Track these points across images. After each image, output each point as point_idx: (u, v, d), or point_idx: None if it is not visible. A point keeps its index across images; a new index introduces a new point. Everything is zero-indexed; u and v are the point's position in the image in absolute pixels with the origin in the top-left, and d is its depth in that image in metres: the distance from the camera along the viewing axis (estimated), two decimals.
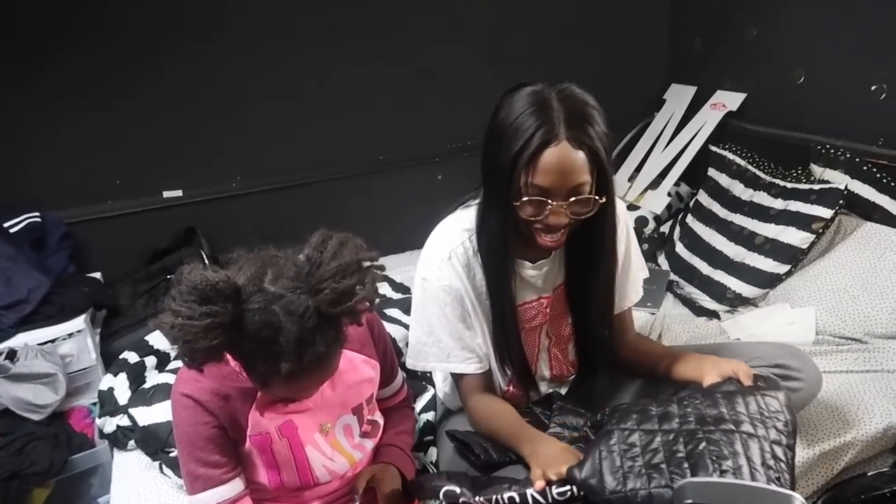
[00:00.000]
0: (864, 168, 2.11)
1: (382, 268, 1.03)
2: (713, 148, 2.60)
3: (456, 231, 1.30)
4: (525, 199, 1.12)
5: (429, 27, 2.63)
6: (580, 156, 1.09)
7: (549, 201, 1.11)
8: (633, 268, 1.42)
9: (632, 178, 2.89)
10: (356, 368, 1.23)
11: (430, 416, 1.60)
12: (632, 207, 2.73)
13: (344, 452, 1.22)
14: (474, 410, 1.37)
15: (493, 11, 2.70)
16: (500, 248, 1.24)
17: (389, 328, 1.77)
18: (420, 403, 1.65)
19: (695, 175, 2.70)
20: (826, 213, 2.00)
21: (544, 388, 1.47)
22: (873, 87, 2.11)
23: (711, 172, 2.54)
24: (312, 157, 2.60)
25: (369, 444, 1.28)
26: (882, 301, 1.83)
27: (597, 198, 1.13)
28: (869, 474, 1.50)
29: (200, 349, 0.91)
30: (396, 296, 2.12)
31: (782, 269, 2.08)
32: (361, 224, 2.60)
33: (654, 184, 2.80)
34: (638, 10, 2.95)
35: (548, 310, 1.38)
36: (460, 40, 2.68)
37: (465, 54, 2.69)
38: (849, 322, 1.85)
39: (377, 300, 1.01)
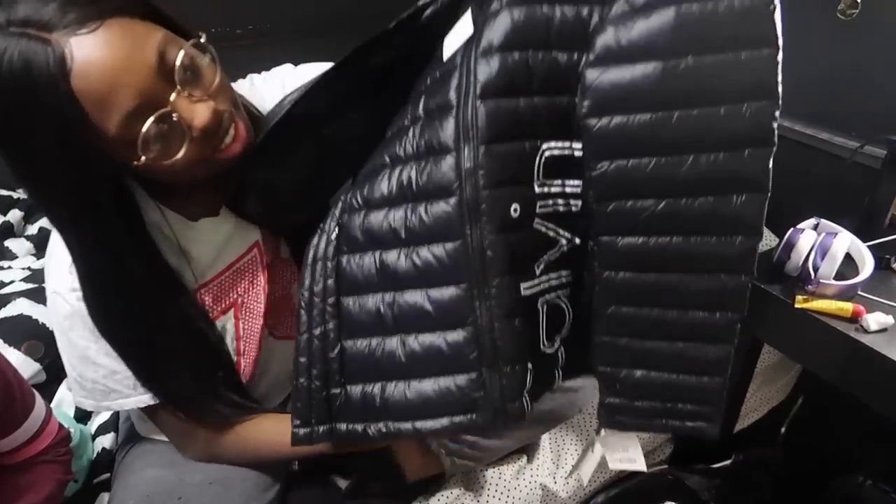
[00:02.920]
0: None
1: None
2: None
3: None
4: (139, 144, 0.68)
5: None
6: (115, 31, 0.64)
7: (161, 111, 0.67)
8: None
9: None
10: None
11: (108, 440, 1.15)
12: None
13: None
14: (226, 447, 0.94)
15: None
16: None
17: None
18: (95, 423, 1.18)
19: None
20: None
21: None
22: None
23: None
24: None
25: None
26: None
27: (198, 37, 0.72)
28: (647, 471, 1.33)
29: None
30: (28, 266, 1.44)
31: None
32: None
33: None
34: None
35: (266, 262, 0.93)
36: None
37: None
38: None
39: None
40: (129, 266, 0.77)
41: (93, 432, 1.16)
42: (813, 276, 1.10)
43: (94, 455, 1.12)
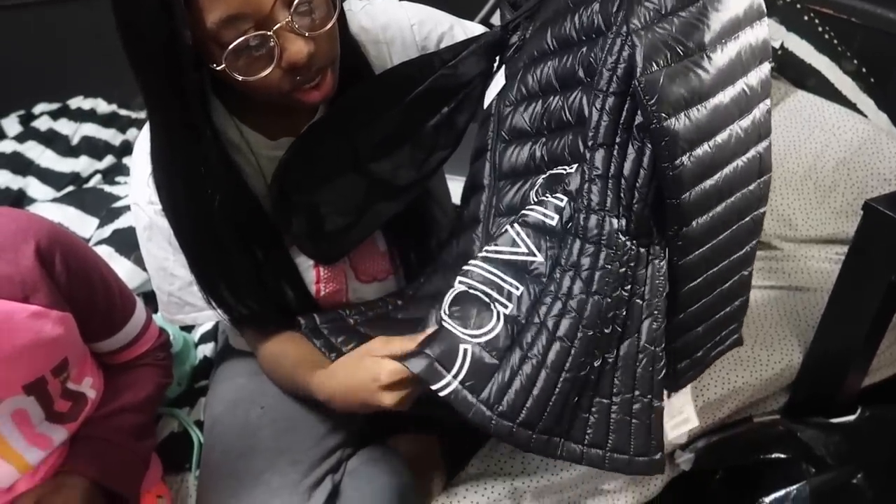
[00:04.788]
0: (805, 18, 1.67)
1: None
2: None
3: None
4: (227, 51, 0.66)
5: None
6: None
7: (262, 32, 0.66)
8: None
9: None
10: (16, 330, 0.77)
11: (209, 349, 1.19)
12: None
13: (8, 454, 0.81)
14: (264, 359, 0.97)
15: None
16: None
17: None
18: (199, 332, 1.23)
19: None
20: None
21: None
22: None
23: None
24: None
25: (60, 432, 0.86)
26: (802, 195, 1.48)
27: None
28: (756, 419, 1.23)
29: None
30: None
31: None
32: None
33: None
34: None
35: None
36: None
37: None
38: None
39: None
40: (203, 173, 0.76)
41: (196, 340, 1.21)
42: None
43: (197, 362, 1.17)
